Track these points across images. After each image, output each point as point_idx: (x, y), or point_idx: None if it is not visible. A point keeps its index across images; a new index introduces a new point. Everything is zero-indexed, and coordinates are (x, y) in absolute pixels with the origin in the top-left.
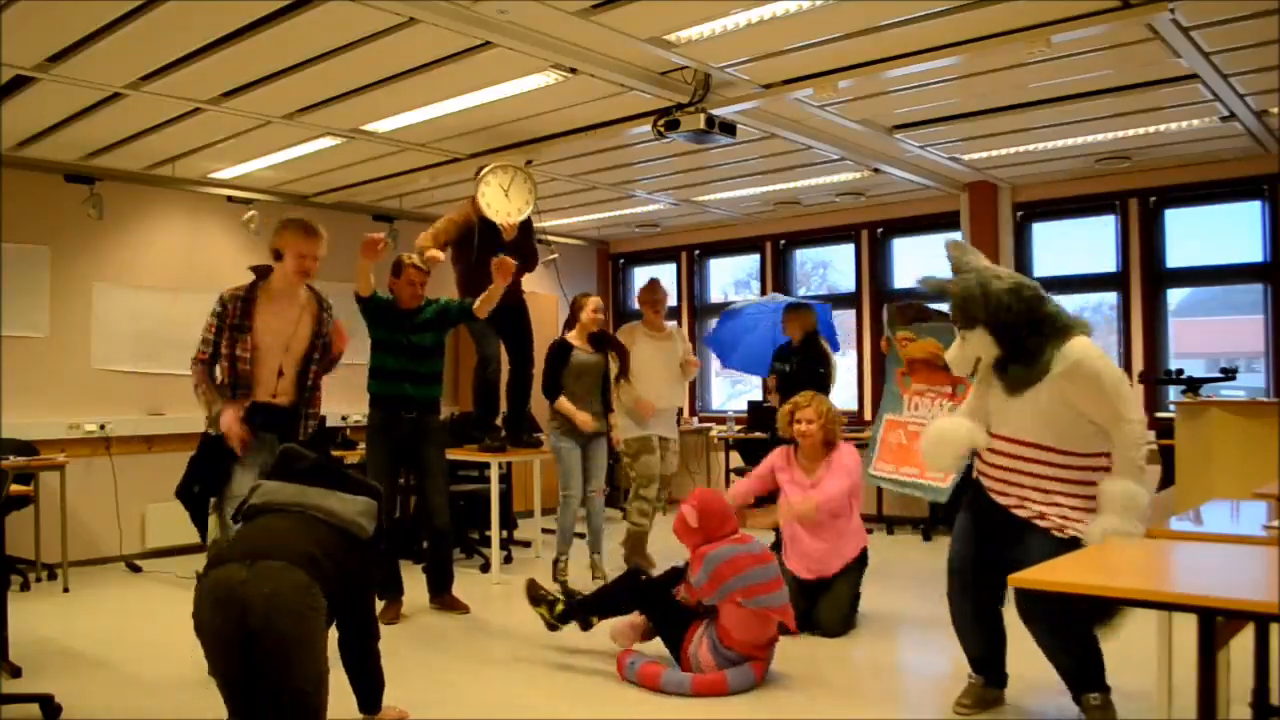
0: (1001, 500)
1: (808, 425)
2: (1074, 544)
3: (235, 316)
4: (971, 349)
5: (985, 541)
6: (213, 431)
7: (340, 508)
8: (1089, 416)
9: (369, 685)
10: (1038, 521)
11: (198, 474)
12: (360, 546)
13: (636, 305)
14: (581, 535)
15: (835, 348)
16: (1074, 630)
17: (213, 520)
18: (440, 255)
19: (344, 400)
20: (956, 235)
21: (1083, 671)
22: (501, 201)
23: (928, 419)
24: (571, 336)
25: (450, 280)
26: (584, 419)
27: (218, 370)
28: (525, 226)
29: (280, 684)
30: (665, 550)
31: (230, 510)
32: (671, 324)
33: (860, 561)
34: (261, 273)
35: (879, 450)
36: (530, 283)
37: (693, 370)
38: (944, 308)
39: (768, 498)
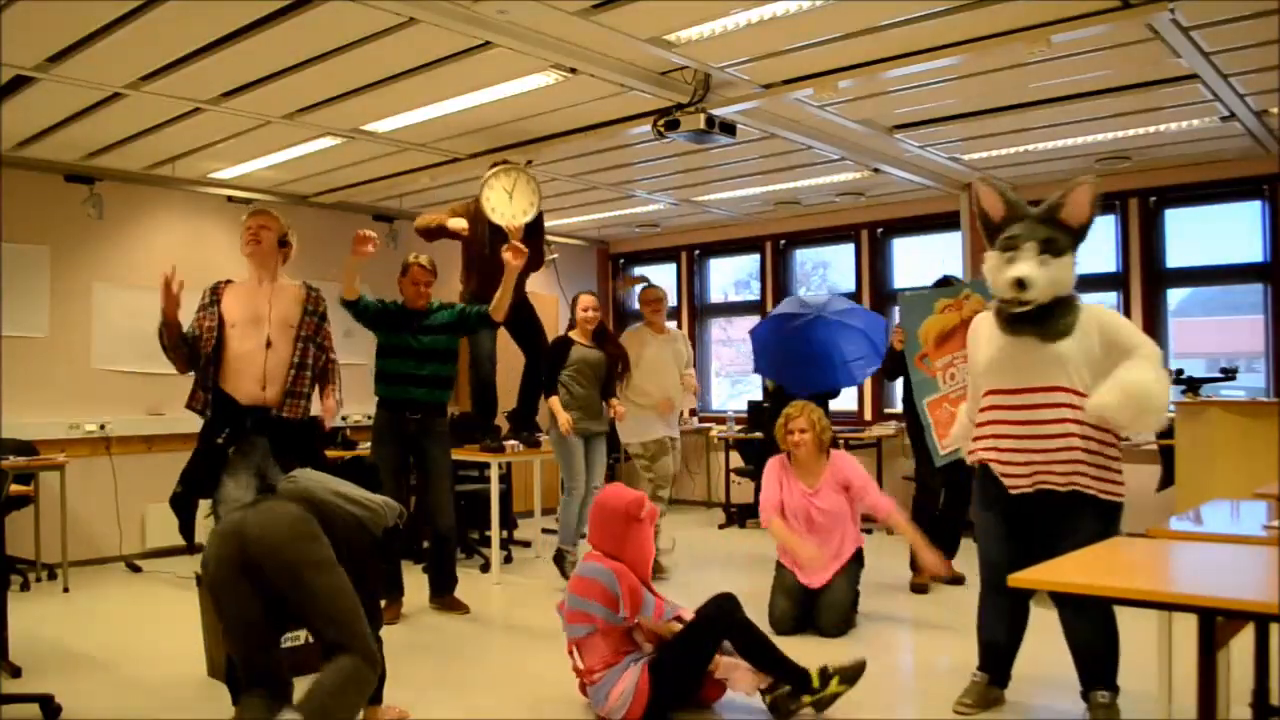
0: (1022, 485)
1: (800, 435)
2: (1113, 507)
3: (205, 299)
4: (1050, 273)
5: (1019, 537)
6: (200, 402)
7: (363, 496)
8: (1108, 365)
9: None
10: (1064, 484)
11: (188, 476)
12: (370, 534)
13: (638, 306)
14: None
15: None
16: (1105, 620)
17: (210, 523)
18: (464, 224)
19: (344, 400)
20: (956, 235)
21: (1101, 663)
22: (505, 204)
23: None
24: (574, 333)
25: (453, 283)
26: (564, 420)
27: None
28: (534, 227)
29: (303, 609)
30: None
31: (227, 515)
32: (672, 325)
33: (856, 560)
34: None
35: (937, 433)
36: (530, 283)
37: (691, 385)
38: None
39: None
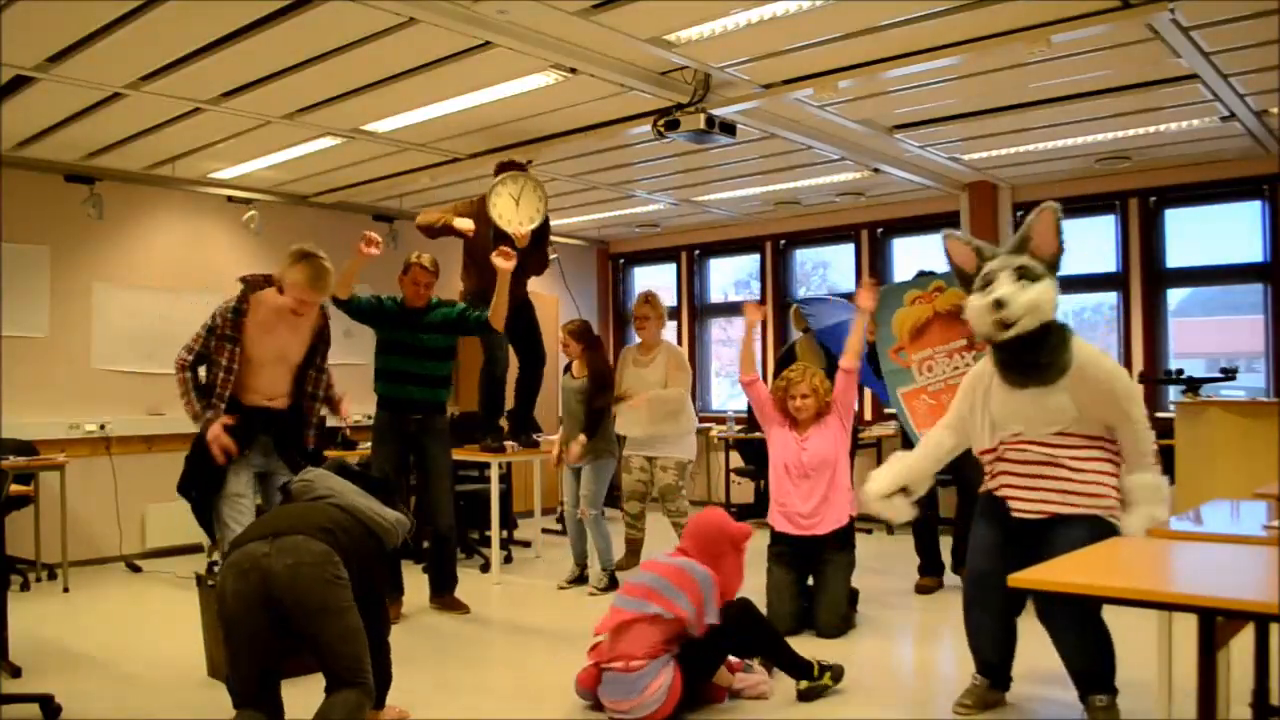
0: (1027, 510)
1: (803, 400)
2: (1100, 523)
3: (225, 329)
4: (1032, 296)
5: (1009, 552)
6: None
7: (377, 510)
8: (1097, 415)
9: (376, 675)
10: (1066, 510)
11: (193, 476)
12: (379, 543)
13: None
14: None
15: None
16: (1094, 629)
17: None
18: (470, 225)
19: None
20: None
21: (1095, 672)
22: (511, 210)
23: (949, 374)
24: (575, 363)
25: (454, 280)
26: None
27: (202, 373)
28: (540, 233)
29: (318, 647)
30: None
31: (227, 509)
32: (667, 339)
33: (848, 540)
34: (252, 283)
35: (913, 421)
36: (532, 282)
37: (634, 403)
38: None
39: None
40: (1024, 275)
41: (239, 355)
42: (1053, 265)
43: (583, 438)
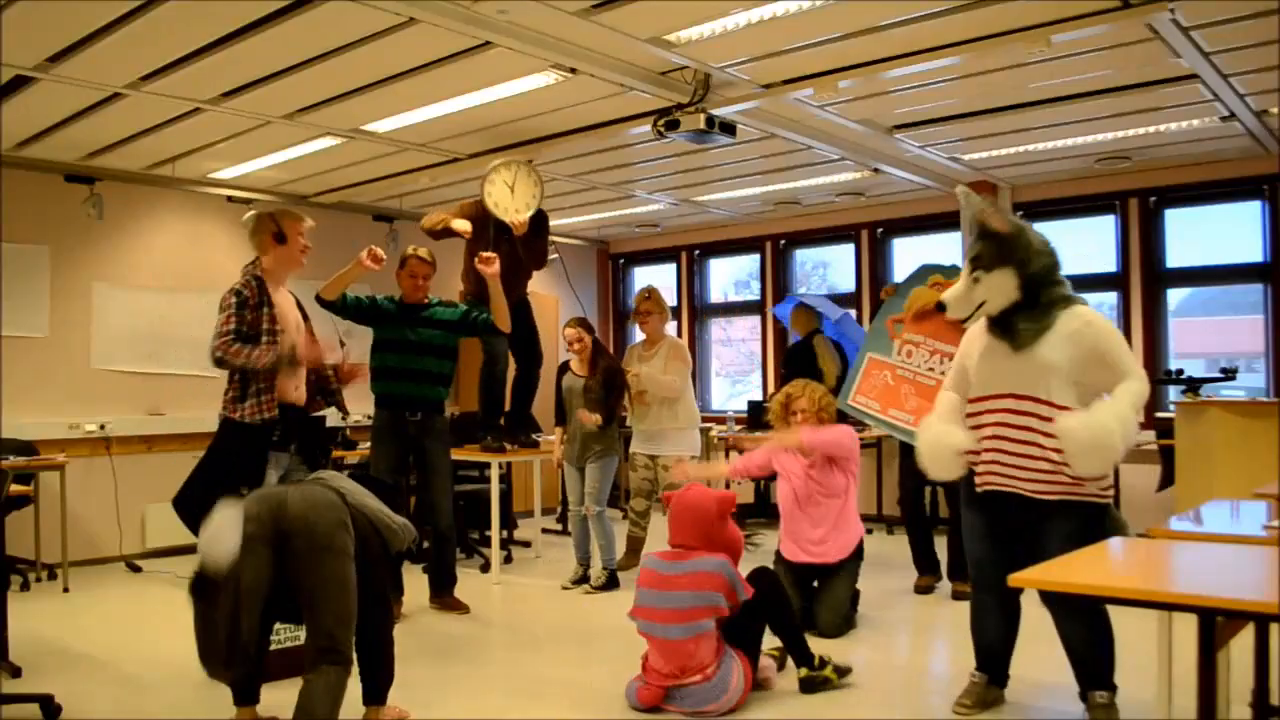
0: (1000, 485)
1: (803, 415)
2: (1089, 508)
3: (254, 295)
4: (983, 291)
5: (1001, 535)
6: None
7: (386, 511)
8: (1090, 379)
9: (379, 671)
10: (1041, 491)
11: (236, 469)
12: (384, 544)
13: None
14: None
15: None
16: (1099, 618)
17: None
18: (468, 226)
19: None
20: (956, 235)
21: (1097, 664)
22: (507, 198)
23: (922, 371)
24: (572, 361)
25: (454, 280)
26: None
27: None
28: (538, 224)
29: (311, 594)
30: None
31: None
32: (670, 334)
33: (856, 554)
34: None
35: (859, 383)
36: (533, 282)
37: (635, 371)
38: None
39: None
40: (976, 265)
41: (278, 318)
42: (1009, 244)
43: (597, 417)
